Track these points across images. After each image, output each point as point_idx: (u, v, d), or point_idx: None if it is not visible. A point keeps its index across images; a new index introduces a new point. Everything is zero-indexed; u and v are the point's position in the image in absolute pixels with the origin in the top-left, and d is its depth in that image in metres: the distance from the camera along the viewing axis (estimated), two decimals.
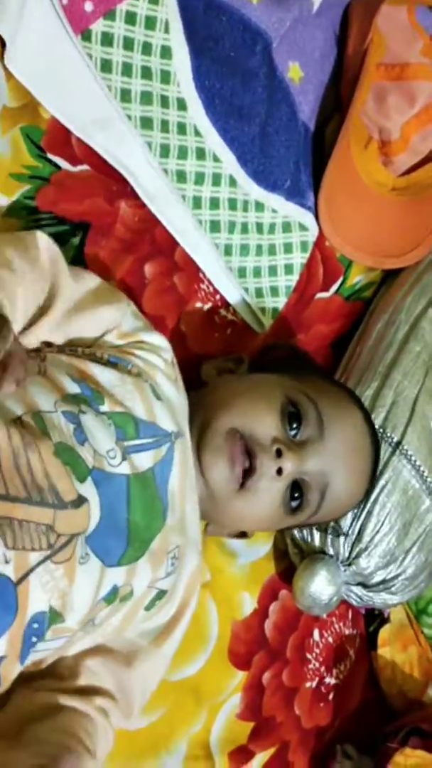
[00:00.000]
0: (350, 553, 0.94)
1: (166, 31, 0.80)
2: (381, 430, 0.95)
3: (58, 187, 0.79)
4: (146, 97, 0.81)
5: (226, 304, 0.94)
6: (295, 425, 0.78)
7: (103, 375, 0.70)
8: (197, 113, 0.85)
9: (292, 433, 0.78)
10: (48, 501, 0.61)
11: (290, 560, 0.99)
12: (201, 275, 0.91)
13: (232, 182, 0.90)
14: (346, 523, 0.94)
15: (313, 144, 0.99)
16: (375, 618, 1.12)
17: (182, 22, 0.81)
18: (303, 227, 0.98)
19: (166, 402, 0.74)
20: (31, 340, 0.70)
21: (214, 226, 0.90)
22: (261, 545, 0.99)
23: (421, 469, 0.96)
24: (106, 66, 0.78)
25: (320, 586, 0.93)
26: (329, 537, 0.94)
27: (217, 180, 0.88)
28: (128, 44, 0.78)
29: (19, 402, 0.63)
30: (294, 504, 0.79)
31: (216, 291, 0.93)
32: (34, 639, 0.61)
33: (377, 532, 0.93)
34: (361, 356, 1.02)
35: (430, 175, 1.05)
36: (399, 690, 1.08)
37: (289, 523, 0.83)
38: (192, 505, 0.75)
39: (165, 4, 0.79)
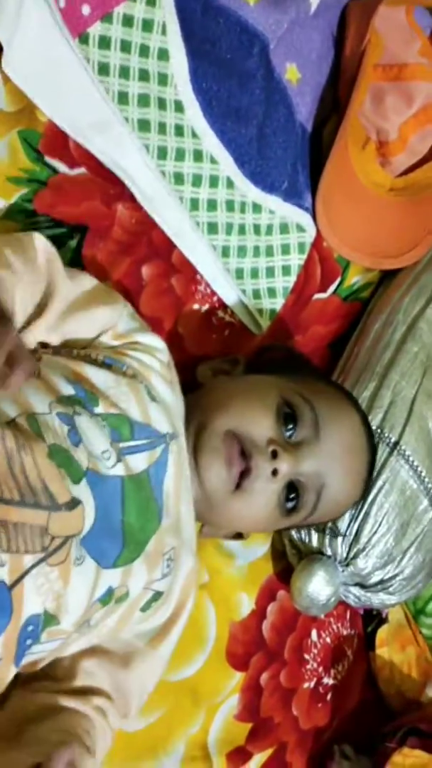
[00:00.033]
0: (348, 553, 0.94)
1: (164, 33, 0.80)
2: (379, 431, 0.95)
3: (55, 190, 0.79)
4: (144, 100, 0.81)
5: (224, 306, 0.94)
6: (290, 426, 0.78)
7: (98, 376, 0.70)
8: (195, 115, 0.85)
9: (288, 434, 0.78)
10: (42, 503, 0.61)
11: (288, 561, 0.99)
12: (198, 277, 0.91)
13: (230, 184, 0.90)
14: (343, 523, 0.93)
15: (311, 145, 0.99)
16: (373, 618, 1.12)
17: (179, 24, 0.81)
18: (300, 228, 0.98)
19: (161, 403, 0.74)
20: (29, 341, 0.70)
21: (212, 228, 0.90)
22: (259, 546, 0.99)
23: (419, 469, 0.96)
24: (103, 69, 0.78)
25: (318, 587, 0.93)
26: (327, 537, 0.94)
27: (214, 182, 0.88)
28: (125, 47, 0.78)
29: (13, 404, 0.63)
30: (290, 505, 0.79)
31: (213, 293, 0.93)
32: (29, 641, 0.61)
33: (375, 532, 0.93)
34: (358, 357, 1.02)
35: (428, 175, 1.05)
36: (397, 690, 1.08)
37: (285, 524, 0.83)
38: (187, 506, 0.75)
39: (162, 7, 0.79)
